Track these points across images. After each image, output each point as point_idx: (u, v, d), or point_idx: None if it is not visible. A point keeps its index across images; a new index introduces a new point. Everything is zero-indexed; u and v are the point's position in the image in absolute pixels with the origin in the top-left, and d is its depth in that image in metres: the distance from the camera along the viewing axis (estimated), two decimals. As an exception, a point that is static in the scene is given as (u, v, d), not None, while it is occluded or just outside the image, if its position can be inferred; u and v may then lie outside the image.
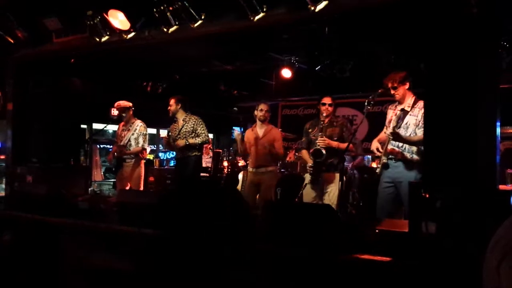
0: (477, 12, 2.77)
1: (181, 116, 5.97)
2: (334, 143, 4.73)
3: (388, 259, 2.52)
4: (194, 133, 5.87)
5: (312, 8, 3.49)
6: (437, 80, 2.97)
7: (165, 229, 3.06)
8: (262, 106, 5.53)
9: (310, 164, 4.80)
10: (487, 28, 2.86)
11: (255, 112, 5.55)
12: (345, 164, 6.18)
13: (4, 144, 5.78)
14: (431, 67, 3.03)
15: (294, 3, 3.66)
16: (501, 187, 3.61)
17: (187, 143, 5.79)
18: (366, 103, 4.16)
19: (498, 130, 2.88)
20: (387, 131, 4.07)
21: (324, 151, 4.67)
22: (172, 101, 5.96)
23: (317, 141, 4.72)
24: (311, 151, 4.78)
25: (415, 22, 3.75)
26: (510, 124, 6.01)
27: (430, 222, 2.66)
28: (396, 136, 3.99)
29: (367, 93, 4.52)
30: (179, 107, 5.94)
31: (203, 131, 5.90)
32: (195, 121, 5.92)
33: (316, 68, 7.08)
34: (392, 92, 4.17)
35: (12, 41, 5.01)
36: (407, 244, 2.71)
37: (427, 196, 2.82)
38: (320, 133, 4.78)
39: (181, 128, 5.90)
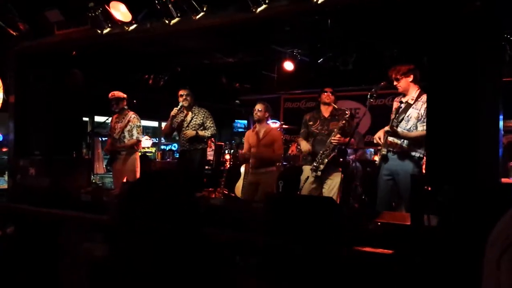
0: (480, 5, 2.75)
1: (190, 107, 5.91)
2: (343, 140, 4.72)
3: (389, 251, 2.52)
4: (202, 126, 5.86)
5: (315, -1, 3.47)
6: (439, 74, 2.95)
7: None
8: (258, 106, 5.48)
9: (318, 160, 4.75)
10: (489, 21, 2.84)
11: (254, 113, 5.55)
12: (347, 157, 6.19)
13: (6, 136, 5.78)
14: (433, 60, 3.01)
15: (297, -5, 3.64)
16: (504, 180, 3.61)
17: (197, 134, 5.77)
18: (368, 96, 4.16)
19: (501, 123, 2.87)
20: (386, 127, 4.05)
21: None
22: (186, 92, 5.83)
23: (331, 139, 4.69)
24: (336, 151, 4.73)
25: (418, 15, 3.73)
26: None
27: (432, 215, 2.66)
28: (393, 133, 3.98)
29: (370, 85, 4.51)
30: (193, 98, 5.90)
31: (211, 125, 5.89)
32: (204, 114, 5.90)
33: (319, 61, 7.06)
34: (395, 83, 4.15)
35: (13, 33, 4.99)
36: (409, 237, 2.71)
37: (429, 189, 2.82)
38: (324, 127, 4.83)
39: (190, 120, 5.86)
